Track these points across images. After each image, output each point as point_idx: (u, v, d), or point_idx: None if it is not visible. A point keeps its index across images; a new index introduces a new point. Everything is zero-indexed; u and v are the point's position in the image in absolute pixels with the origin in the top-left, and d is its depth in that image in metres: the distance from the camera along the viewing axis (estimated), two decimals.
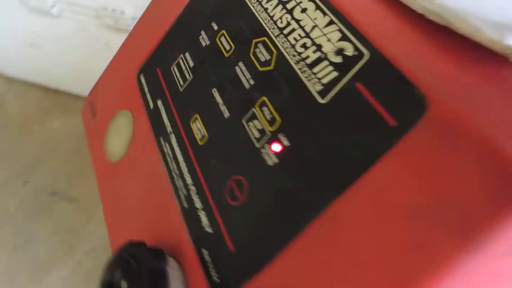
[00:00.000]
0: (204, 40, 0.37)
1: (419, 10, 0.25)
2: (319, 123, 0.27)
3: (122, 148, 0.41)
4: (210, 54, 0.36)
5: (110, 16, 1.16)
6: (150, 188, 0.37)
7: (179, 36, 0.41)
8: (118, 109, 0.44)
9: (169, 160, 0.36)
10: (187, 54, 0.39)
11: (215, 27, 0.37)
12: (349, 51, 0.26)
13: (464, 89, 0.22)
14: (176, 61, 0.39)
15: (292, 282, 0.25)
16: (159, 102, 0.39)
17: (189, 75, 0.37)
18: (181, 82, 0.38)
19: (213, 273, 0.29)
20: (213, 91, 0.35)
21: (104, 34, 1.22)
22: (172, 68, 0.40)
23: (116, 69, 0.47)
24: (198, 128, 0.35)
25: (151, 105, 0.40)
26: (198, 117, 0.35)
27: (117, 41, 1.14)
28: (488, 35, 0.22)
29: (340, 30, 0.27)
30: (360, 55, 0.26)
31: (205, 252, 0.30)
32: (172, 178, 0.35)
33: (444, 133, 0.21)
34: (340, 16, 0.28)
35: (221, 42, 0.36)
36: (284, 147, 0.28)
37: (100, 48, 1.26)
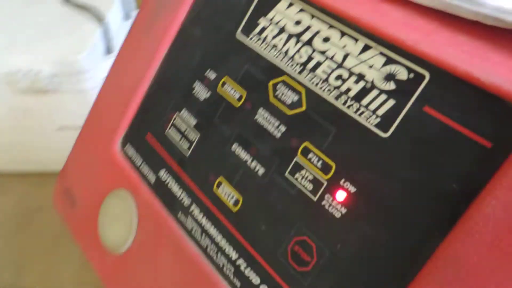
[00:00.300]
0: (201, 92, 0.33)
1: (472, 17, 0.23)
2: (387, 159, 0.24)
3: (127, 236, 0.35)
4: (215, 107, 0.32)
5: (25, 78, 1.05)
6: (182, 275, 0.31)
7: (165, 93, 0.36)
8: (105, 191, 0.38)
9: (198, 237, 0.31)
10: (183, 112, 0.34)
11: (212, 76, 0.33)
12: (402, 74, 0.24)
13: None
14: (171, 122, 0.35)
15: None
16: (162, 173, 0.34)
17: (195, 135, 0.33)
18: (186, 145, 0.33)
19: None
20: (233, 148, 0.30)
21: (20, 100, 1.11)
22: (167, 131, 0.35)
23: (89, 145, 0.41)
24: (226, 192, 0.30)
25: (152, 179, 0.35)
26: (224, 180, 0.30)
27: (37, 104, 1.04)
28: None
29: (382, 54, 0.25)
30: (418, 76, 0.23)
31: None
32: (209, 257, 0.30)
33: None
34: (376, 38, 0.25)
35: (225, 91, 0.32)
36: (351, 194, 0.25)
37: (18, 117, 1.14)
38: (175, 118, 0.35)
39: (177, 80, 0.35)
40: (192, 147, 0.33)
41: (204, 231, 0.31)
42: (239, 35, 0.32)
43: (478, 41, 0.23)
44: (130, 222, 0.35)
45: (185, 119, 0.34)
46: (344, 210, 0.25)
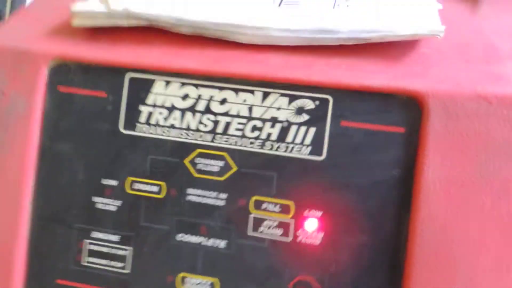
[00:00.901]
0: (107, 204, 0.30)
1: (336, 42, 0.28)
2: (333, 175, 0.27)
3: None
4: (135, 211, 0.30)
5: None
6: None
7: (58, 226, 0.31)
8: None
9: None
10: (95, 234, 0.30)
11: (113, 182, 0.30)
12: (310, 104, 0.28)
13: (419, 75, 0.27)
14: (85, 251, 0.31)
15: None
16: None
17: (125, 250, 0.30)
18: (120, 264, 0.30)
19: None
20: (179, 238, 0.29)
21: None
22: (84, 262, 0.31)
23: None
24: (195, 283, 0.29)
25: None
26: (187, 273, 0.29)
27: None
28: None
29: (283, 95, 0.28)
30: (324, 101, 0.28)
31: None
32: None
33: (446, 110, 0.26)
34: (270, 84, 0.28)
35: (138, 190, 0.30)
36: (319, 218, 0.28)
37: None
38: (88, 245, 0.31)
39: (66, 204, 0.31)
40: (130, 262, 0.30)
41: None
42: (124, 130, 0.30)
43: (350, 59, 0.28)
44: None
45: (102, 239, 0.30)
46: (321, 234, 0.27)
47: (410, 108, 0.26)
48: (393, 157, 0.27)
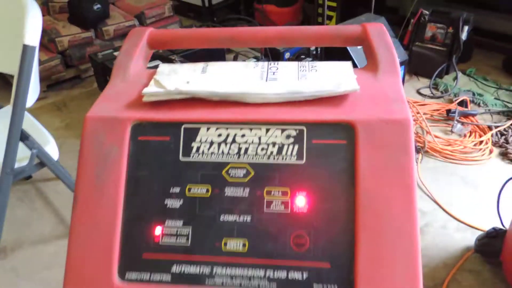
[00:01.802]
0: (174, 203, 0.49)
1: (307, 97, 0.50)
2: (311, 172, 0.48)
3: None
4: (192, 205, 0.49)
5: None
6: None
7: (141, 221, 0.49)
8: None
9: (230, 283, 0.47)
10: (167, 222, 0.49)
11: (177, 190, 0.50)
12: (292, 132, 0.49)
13: (366, 109, 0.49)
14: (161, 234, 0.49)
15: None
16: (174, 268, 0.48)
17: (187, 230, 0.49)
18: (183, 239, 0.48)
19: None
20: (222, 219, 0.48)
21: None
22: (161, 242, 0.49)
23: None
24: (233, 244, 0.48)
25: (167, 278, 0.48)
26: (227, 239, 0.48)
27: None
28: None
29: (278, 129, 0.50)
30: (301, 130, 0.49)
31: None
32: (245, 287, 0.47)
33: (367, 128, 0.48)
34: (270, 123, 0.50)
35: (193, 192, 0.49)
36: (305, 197, 0.48)
37: None
38: (163, 230, 0.49)
39: (147, 207, 0.50)
40: (189, 237, 0.48)
41: (232, 276, 0.47)
42: (183, 158, 0.50)
43: (313, 106, 0.50)
44: None
45: (172, 225, 0.49)
46: (307, 206, 0.48)
47: (348, 130, 0.48)
48: (342, 157, 0.48)
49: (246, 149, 0.50)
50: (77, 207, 0.50)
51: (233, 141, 0.50)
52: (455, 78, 2.29)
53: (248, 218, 0.48)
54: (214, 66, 0.58)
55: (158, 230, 0.49)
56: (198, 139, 0.51)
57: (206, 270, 0.48)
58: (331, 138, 0.49)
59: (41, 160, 1.31)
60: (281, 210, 0.48)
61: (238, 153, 0.50)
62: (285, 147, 0.49)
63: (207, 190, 0.49)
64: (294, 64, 0.57)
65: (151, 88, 0.53)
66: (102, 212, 0.50)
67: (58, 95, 2.53)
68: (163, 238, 0.49)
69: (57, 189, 1.87)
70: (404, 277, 0.45)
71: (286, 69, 0.56)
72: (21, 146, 1.24)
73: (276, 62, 0.58)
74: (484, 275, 1.34)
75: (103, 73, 2.13)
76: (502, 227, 1.37)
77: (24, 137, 1.23)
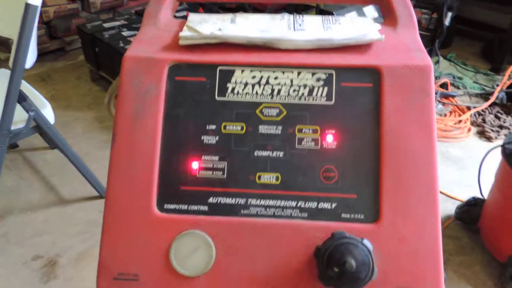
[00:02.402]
0: (211, 139, 0.52)
1: (339, 44, 0.54)
2: (340, 112, 0.52)
3: (209, 257, 0.50)
4: (227, 141, 0.52)
5: None
6: (274, 244, 0.50)
7: (179, 155, 0.52)
8: (165, 247, 0.50)
9: (265, 213, 0.51)
10: (204, 157, 0.52)
11: (212, 127, 0.53)
12: (323, 75, 0.53)
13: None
14: (199, 167, 0.52)
15: None
16: (211, 199, 0.51)
17: (223, 164, 0.52)
18: (219, 173, 0.52)
19: None
20: (256, 154, 0.52)
21: None
22: (199, 175, 0.52)
23: (123, 229, 0.51)
24: (267, 178, 0.51)
25: (204, 208, 0.51)
26: (261, 173, 0.51)
27: None
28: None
29: (309, 72, 0.53)
30: (330, 74, 0.53)
31: None
32: (280, 217, 0.51)
33: (391, 73, 0.52)
34: (301, 67, 0.53)
35: (228, 130, 0.52)
36: (334, 134, 0.52)
37: None
38: (200, 164, 0.52)
39: (184, 142, 0.53)
40: (225, 171, 0.52)
41: (265, 206, 0.51)
42: (218, 98, 0.53)
43: (342, 53, 0.54)
44: (208, 246, 0.50)
45: (209, 160, 0.52)
46: (335, 143, 0.52)
47: (374, 74, 0.52)
48: (368, 99, 0.52)
49: (279, 90, 0.53)
50: (116, 143, 0.53)
51: (267, 82, 0.53)
52: (437, 62, 2.38)
53: (280, 154, 0.52)
54: (242, 17, 0.61)
55: (195, 164, 0.52)
56: (233, 80, 0.54)
57: (241, 201, 0.51)
58: (359, 82, 0.53)
59: (37, 123, 1.30)
60: (312, 147, 0.52)
61: (271, 94, 0.53)
62: (316, 89, 0.53)
63: (242, 128, 0.53)
64: (318, 17, 0.60)
65: (187, 33, 0.55)
66: (141, 147, 0.52)
67: (42, 67, 2.48)
68: (200, 172, 0.52)
69: (45, 158, 1.86)
70: (425, 205, 0.49)
71: (312, 21, 0.59)
72: (17, 111, 1.24)
73: (301, 15, 0.61)
74: (463, 241, 1.43)
75: (92, 44, 2.11)
76: (481, 196, 1.45)
77: (22, 99, 1.23)
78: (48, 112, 1.34)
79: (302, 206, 0.51)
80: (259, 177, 0.51)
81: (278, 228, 0.50)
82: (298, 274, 0.50)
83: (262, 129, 0.52)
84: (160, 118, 0.53)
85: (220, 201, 0.51)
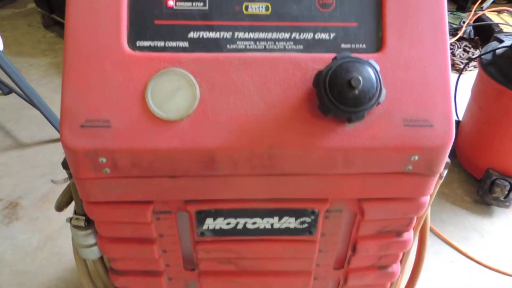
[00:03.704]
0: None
1: None
2: None
3: (193, 98, 0.43)
4: None
5: None
6: (267, 76, 0.44)
7: None
8: (140, 87, 0.43)
9: (255, 47, 0.44)
10: None
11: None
12: None
13: None
14: None
15: None
16: (192, 34, 0.44)
17: (205, 1, 0.45)
18: (200, 4, 0.45)
19: None
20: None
21: None
22: (176, 6, 0.44)
23: (90, 72, 0.43)
24: (255, 7, 0.45)
25: (184, 44, 0.44)
26: (248, 2, 0.45)
27: None
28: None
29: None
30: None
31: None
32: (273, 50, 0.44)
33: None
34: None
35: None
36: None
37: None
38: None
39: None
40: (207, 2, 0.45)
41: (255, 40, 0.44)
42: None
43: None
44: (190, 85, 0.43)
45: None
46: None
47: None
48: None
49: None
50: None
51: None
52: None
53: None
54: None
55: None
56: None
57: (226, 35, 0.44)
58: None
59: None
60: None
61: None
62: None
63: None
64: None
65: None
66: None
67: None
68: (177, 3, 0.45)
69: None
70: (432, 28, 0.44)
71: None
72: None
73: None
74: None
75: None
76: (456, 118, 1.44)
77: None
78: None
79: (297, 37, 0.45)
80: (246, 7, 0.45)
81: (270, 62, 0.44)
82: (295, 108, 0.44)
83: None
84: None
85: (202, 36, 0.44)
